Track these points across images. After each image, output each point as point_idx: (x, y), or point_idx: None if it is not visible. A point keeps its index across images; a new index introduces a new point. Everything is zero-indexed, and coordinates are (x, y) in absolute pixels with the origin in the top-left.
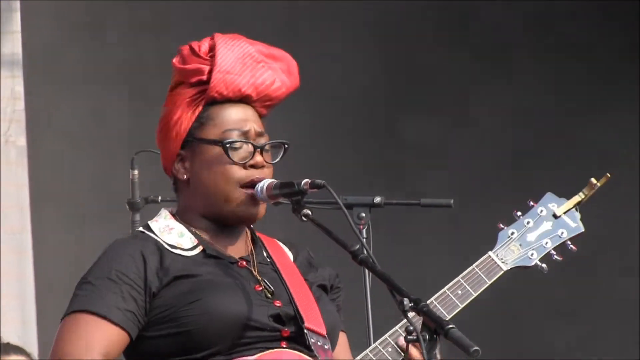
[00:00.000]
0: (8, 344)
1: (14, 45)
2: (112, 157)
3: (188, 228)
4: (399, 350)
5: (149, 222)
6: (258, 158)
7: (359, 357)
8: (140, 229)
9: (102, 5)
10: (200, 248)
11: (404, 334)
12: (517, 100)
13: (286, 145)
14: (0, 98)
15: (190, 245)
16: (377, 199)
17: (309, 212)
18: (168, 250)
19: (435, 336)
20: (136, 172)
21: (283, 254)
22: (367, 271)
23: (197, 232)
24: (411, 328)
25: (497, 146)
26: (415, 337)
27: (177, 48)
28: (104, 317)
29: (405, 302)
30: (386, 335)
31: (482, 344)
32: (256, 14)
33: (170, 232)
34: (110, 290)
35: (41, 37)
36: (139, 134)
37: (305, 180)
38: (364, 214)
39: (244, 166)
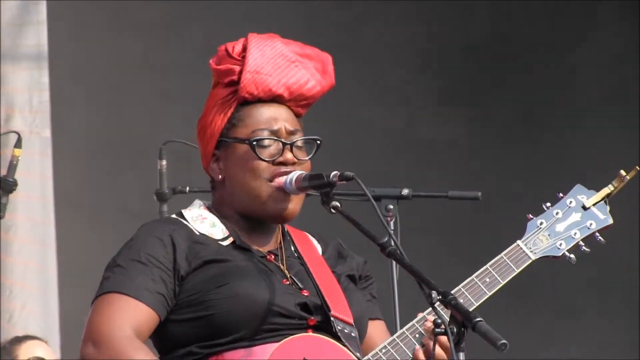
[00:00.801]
0: (25, 335)
1: (40, 36)
2: (138, 149)
3: (221, 220)
4: (419, 344)
5: (182, 210)
6: (288, 155)
7: (377, 349)
8: (173, 215)
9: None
10: (231, 239)
11: (421, 329)
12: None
13: (318, 141)
14: (26, 89)
15: (221, 236)
16: (405, 191)
17: (338, 204)
18: (199, 236)
19: (462, 329)
20: (164, 162)
21: (312, 247)
22: (394, 263)
23: (229, 224)
24: (439, 321)
25: (521, 141)
26: (443, 330)
27: (211, 46)
28: (135, 298)
29: (433, 295)
30: (404, 329)
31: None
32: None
33: (203, 221)
34: (140, 272)
35: (67, 28)
36: (164, 126)
37: (334, 173)
38: (391, 206)
39: (273, 163)
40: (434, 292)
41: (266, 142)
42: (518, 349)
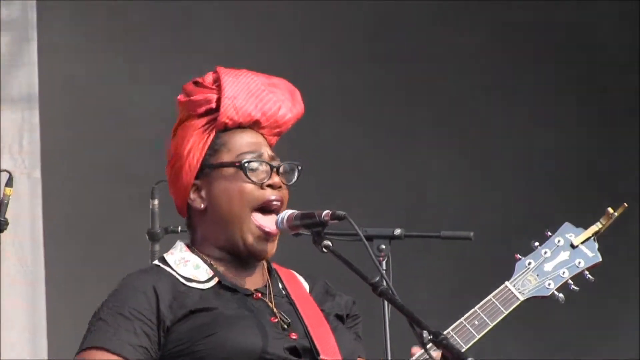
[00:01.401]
0: None
1: (31, 77)
2: (129, 189)
3: (204, 260)
4: None
5: (165, 255)
6: (275, 178)
7: None
8: (156, 262)
9: (120, 37)
10: (215, 280)
11: None
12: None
13: (300, 167)
14: (14, 131)
15: (205, 277)
16: (397, 231)
17: (330, 243)
18: (183, 283)
19: None
20: (156, 202)
21: (299, 285)
22: (386, 303)
23: (213, 264)
24: None
25: (514, 179)
26: None
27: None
28: (117, 354)
29: (424, 335)
30: None
31: None
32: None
33: (186, 264)
34: (122, 326)
35: (58, 69)
36: (156, 166)
37: (326, 212)
38: (383, 246)
39: (262, 186)
40: (425, 331)
41: (254, 164)
42: None
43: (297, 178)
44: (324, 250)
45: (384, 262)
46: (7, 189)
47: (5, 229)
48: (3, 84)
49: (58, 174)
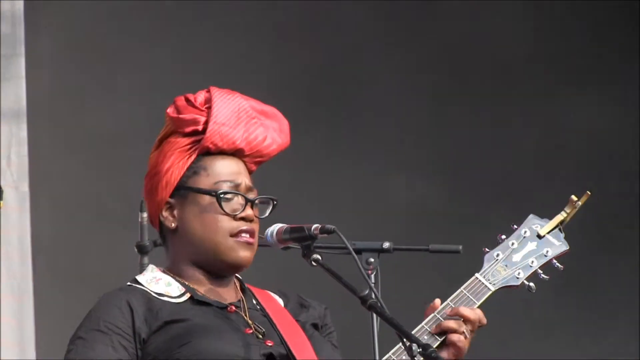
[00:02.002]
0: None
1: (18, 91)
2: (119, 201)
3: (175, 279)
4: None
5: (137, 277)
6: (249, 211)
7: None
8: (128, 283)
9: (111, 51)
10: (188, 295)
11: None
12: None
13: (274, 202)
14: (2, 144)
15: (178, 293)
16: (386, 245)
17: (319, 257)
18: (156, 297)
19: None
20: (145, 215)
21: (273, 301)
22: (375, 316)
23: (186, 282)
24: None
25: (499, 185)
26: None
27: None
28: None
29: (414, 348)
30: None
31: None
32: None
33: (158, 282)
34: (100, 341)
35: (46, 83)
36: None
37: (315, 225)
38: (372, 259)
39: (235, 218)
40: (414, 344)
41: (229, 195)
42: None
43: (271, 212)
44: (314, 263)
45: (372, 275)
46: None
47: None
48: None
49: (46, 188)
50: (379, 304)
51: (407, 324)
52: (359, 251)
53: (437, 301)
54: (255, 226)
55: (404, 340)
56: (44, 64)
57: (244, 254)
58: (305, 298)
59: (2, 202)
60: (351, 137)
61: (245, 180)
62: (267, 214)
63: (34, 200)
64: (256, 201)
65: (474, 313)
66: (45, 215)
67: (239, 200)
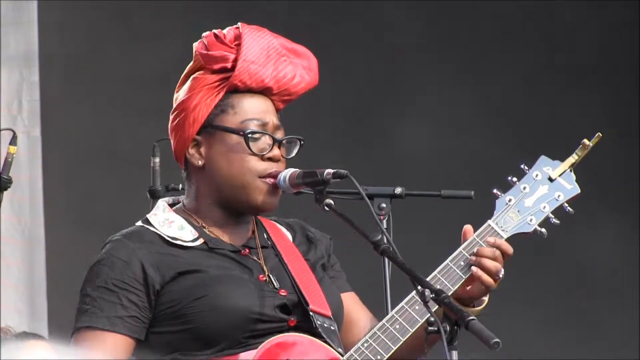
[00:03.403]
0: (24, 332)
1: (30, 35)
2: (132, 145)
3: (188, 220)
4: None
5: (148, 216)
6: (276, 151)
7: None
8: (139, 223)
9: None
10: (201, 240)
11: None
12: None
13: (302, 142)
14: (13, 89)
15: (190, 238)
16: (398, 190)
17: (332, 201)
18: (168, 243)
19: (455, 327)
20: (157, 159)
21: (282, 236)
22: (387, 261)
23: (199, 223)
24: (432, 319)
25: (517, 138)
26: (436, 329)
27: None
28: (109, 330)
29: (426, 293)
30: (393, 312)
31: None
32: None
33: (170, 225)
34: (109, 300)
35: (57, 27)
36: (159, 125)
37: (328, 170)
38: (384, 205)
39: (262, 158)
40: (427, 290)
41: (257, 135)
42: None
43: (298, 152)
44: (326, 208)
45: (384, 221)
46: (11, 147)
47: (10, 187)
48: (2, 43)
49: (58, 133)
50: (392, 249)
51: (419, 269)
52: (371, 196)
53: (468, 227)
54: (282, 166)
55: (417, 285)
56: (56, 7)
57: (271, 199)
58: (309, 228)
59: (15, 147)
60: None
61: (273, 118)
62: (294, 154)
63: (46, 145)
64: (283, 141)
65: (509, 248)
66: (57, 160)
67: (266, 140)
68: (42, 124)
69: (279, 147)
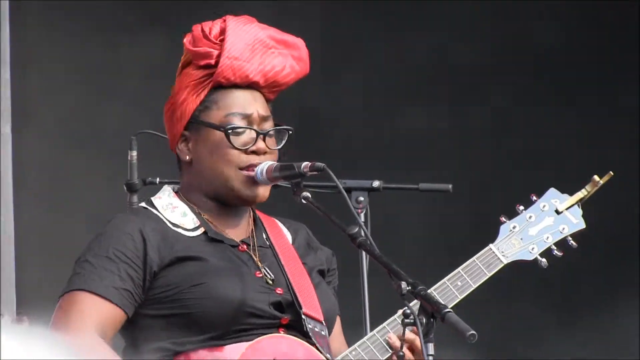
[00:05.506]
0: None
1: (2, 32)
2: (108, 140)
3: (191, 208)
4: (387, 347)
5: (152, 199)
6: (260, 144)
7: (346, 351)
8: (143, 204)
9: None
10: (202, 230)
11: (391, 331)
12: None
13: (290, 132)
14: None
15: (192, 226)
16: (376, 183)
17: (309, 194)
18: (170, 228)
19: (432, 320)
20: (134, 153)
21: (282, 235)
22: (364, 254)
23: (200, 212)
24: (408, 311)
25: (501, 136)
26: (412, 321)
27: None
28: (101, 296)
29: (403, 286)
30: (374, 332)
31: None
32: None
33: (174, 210)
34: (107, 269)
35: (29, 23)
36: (135, 118)
37: (305, 163)
38: (362, 198)
39: (245, 151)
40: (403, 282)
41: (239, 130)
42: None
43: (286, 142)
44: (303, 201)
45: (362, 214)
46: None
47: None
48: None
49: (30, 129)
50: (369, 242)
51: (396, 262)
52: (348, 190)
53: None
54: (270, 157)
55: (393, 278)
56: (31, 4)
57: (252, 191)
58: (313, 237)
59: None
60: None
61: (258, 109)
62: (282, 145)
63: (17, 142)
64: (270, 132)
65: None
66: (29, 156)
67: (250, 134)
68: (13, 120)
69: (264, 140)
